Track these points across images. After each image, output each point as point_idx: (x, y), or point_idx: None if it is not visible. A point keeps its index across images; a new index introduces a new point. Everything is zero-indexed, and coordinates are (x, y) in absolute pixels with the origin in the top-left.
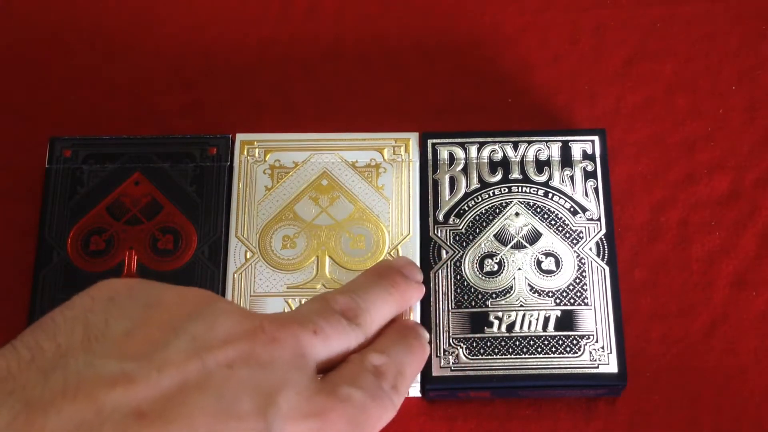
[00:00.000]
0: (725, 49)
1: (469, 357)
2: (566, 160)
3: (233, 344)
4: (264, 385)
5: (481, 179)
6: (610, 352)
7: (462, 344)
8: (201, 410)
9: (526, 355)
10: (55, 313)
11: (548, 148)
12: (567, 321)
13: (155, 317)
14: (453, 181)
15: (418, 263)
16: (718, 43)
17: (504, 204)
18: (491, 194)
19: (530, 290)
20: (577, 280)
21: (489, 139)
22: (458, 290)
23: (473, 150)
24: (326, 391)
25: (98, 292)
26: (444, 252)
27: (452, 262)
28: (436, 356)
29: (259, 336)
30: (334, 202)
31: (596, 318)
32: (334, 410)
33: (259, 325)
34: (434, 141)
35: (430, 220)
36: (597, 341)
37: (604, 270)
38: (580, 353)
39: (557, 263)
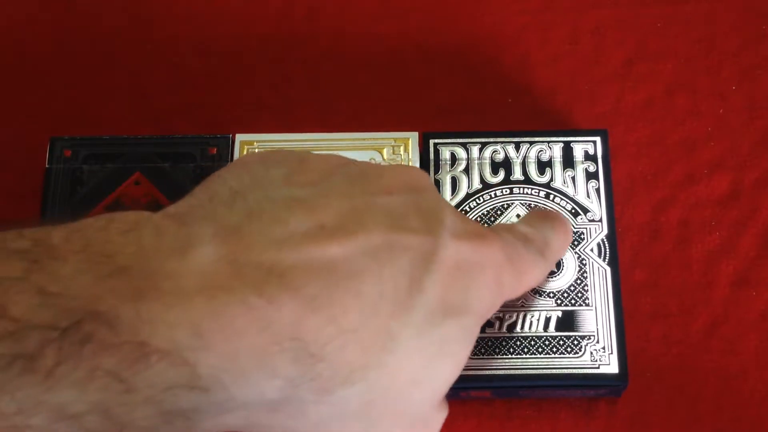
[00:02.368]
0: (725, 49)
1: (470, 357)
2: (568, 161)
3: (387, 177)
4: (426, 207)
5: (482, 180)
6: (611, 353)
7: None
8: (375, 224)
9: (527, 356)
10: (219, 171)
11: (550, 148)
12: (568, 321)
13: (309, 166)
14: (455, 182)
15: None
16: (718, 43)
17: (506, 205)
18: (493, 195)
19: (531, 291)
20: (578, 281)
21: (491, 140)
22: None
23: (475, 150)
24: (484, 228)
25: (249, 156)
26: None
27: None
28: None
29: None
30: None
31: (597, 319)
32: (495, 240)
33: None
34: (436, 141)
35: None
36: (598, 342)
37: (605, 271)
38: (581, 354)
39: (558, 264)
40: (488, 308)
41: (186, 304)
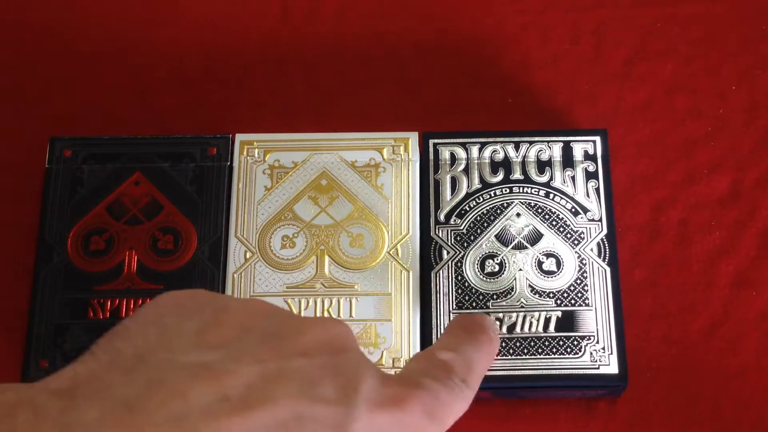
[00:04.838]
0: (725, 49)
1: None
2: (568, 161)
3: (307, 335)
4: (344, 372)
5: (482, 179)
6: (611, 353)
7: None
8: (284, 395)
9: (527, 356)
10: (126, 321)
11: (550, 148)
12: (568, 322)
13: (225, 319)
14: (454, 182)
15: (417, 262)
16: (718, 43)
17: (505, 204)
18: (492, 195)
19: (531, 291)
20: (578, 281)
21: (491, 140)
22: (459, 291)
23: (475, 150)
24: (401, 381)
25: (164, 300)
26: (445, 252)
27: (453, 263)
28: None
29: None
30: (333, 201)
31: (597, 319)
32: (412, 397)
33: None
34: (436, 141)
35: (432, 220)
36: (598, 342)
37: (605, 271)
38: (580, 354)
39: (558, 264)
40: None
41: None
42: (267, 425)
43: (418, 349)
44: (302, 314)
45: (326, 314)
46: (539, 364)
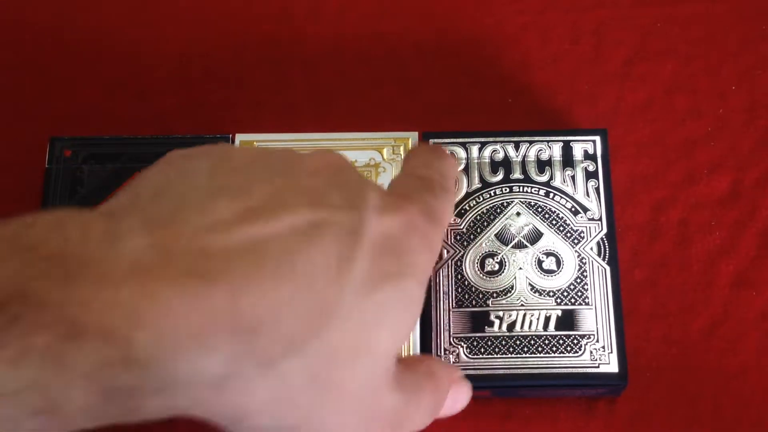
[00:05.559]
0: (725, 49)
1: (470, 356)
2: (567, 160)
3: (308, 161)
4: (348, 185)
5: (482, 179)
6: (611, 352)
7: (463, 343)
8: (300, 203)
9: (527, 355)
10: (143, 172)
11: (549, 148)
12: (568, 320)
13: (233, 156)
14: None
15: None
16: (718, 43)
17: (505, 204)
18: (492, 194)
19: (531, 290)
20: (578, 280)
21: (490, 139)
22: (459, 289)
23: (474, 150)
24: (396, 194)
25: (172, 152)
26: (445, 251)
27: (453, 262)
28: (437, 356)
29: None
30: None
31: (597, 318)
32: (410, 204)
33: None
34: (436, 141)
35: None
36: (598, 341)
37: (605, 270)
38: (580, 353)
39: (558, 263)
40: (424, 269)
41: (117, 286)
42: (290, 228)
43: (418, 348)
44: None
45: None
46: (539, 362)
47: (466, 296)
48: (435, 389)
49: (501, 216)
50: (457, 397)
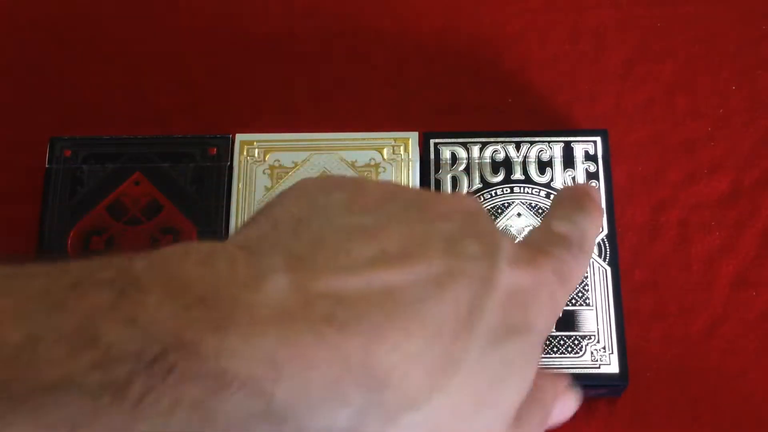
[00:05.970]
0: (725, 49)
1: None
2: (568, 161)
3: (444, 203)
4: (483, 233)
5: (483, 179)
6: (612, 353)
7: None
8: (435, 250)
9: None
10: (277, 198)
11: (550, 148)
12: (569, 321)
13: (368, 190)
14: (455, 181)
15: None
16: (718, 43)
17: (506, 204)
18: (493, 194)
19: None
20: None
21: (491, 139)
22: None
23: (475, 150)
24: (532, 247)
25: (305, 180)
26: None
27: None
28: None
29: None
30: None
31: (597, 318)
32: (544, 260)
33: None
34: (436, 141)
35: None
36: (598, 341)
37: (606, 270)
38: (581, 353)
39: None
40: (547, 325)
41: (262, 335)
42: (425, 276)
43: None
44: None
45: None
46: (540, 362)
47: None
48: (542, 408)
49: (502, 217)
50: (564, 409)
